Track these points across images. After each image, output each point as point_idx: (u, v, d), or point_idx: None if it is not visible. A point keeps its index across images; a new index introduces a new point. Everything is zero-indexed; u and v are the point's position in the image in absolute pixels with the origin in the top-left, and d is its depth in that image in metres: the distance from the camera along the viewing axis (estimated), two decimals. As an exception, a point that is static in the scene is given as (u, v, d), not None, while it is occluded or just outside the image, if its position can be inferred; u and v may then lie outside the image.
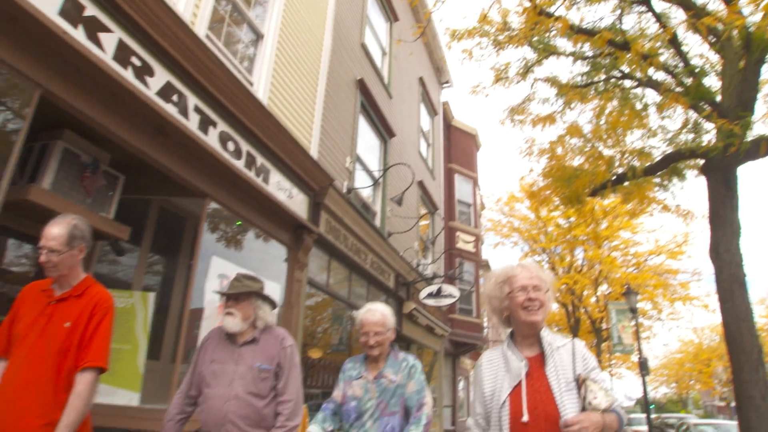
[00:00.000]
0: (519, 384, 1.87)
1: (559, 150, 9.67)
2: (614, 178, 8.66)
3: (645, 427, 13.35)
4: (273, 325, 3.06)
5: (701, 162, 7.15)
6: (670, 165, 7.95)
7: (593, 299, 23.69)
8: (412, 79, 14.01)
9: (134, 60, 4.06)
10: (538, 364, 1.91)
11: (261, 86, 6.16)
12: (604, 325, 22.91)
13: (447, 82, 17.60)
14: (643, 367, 12.68)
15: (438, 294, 10.96)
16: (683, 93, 6.93)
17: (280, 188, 6.08)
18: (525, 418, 1.79)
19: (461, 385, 18.78)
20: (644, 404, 12.15)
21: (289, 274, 6.49)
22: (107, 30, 3.81)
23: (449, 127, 18.77)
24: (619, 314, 17.28)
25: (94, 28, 3.70)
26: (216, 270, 5.30)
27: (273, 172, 5.95)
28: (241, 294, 2.93)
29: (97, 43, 3.72)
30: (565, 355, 1.91)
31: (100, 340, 2.51)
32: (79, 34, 3.57)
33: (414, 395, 2.88)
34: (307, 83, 7.42)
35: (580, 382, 1.81)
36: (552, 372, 1.86)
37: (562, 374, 1.85)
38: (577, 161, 9.50)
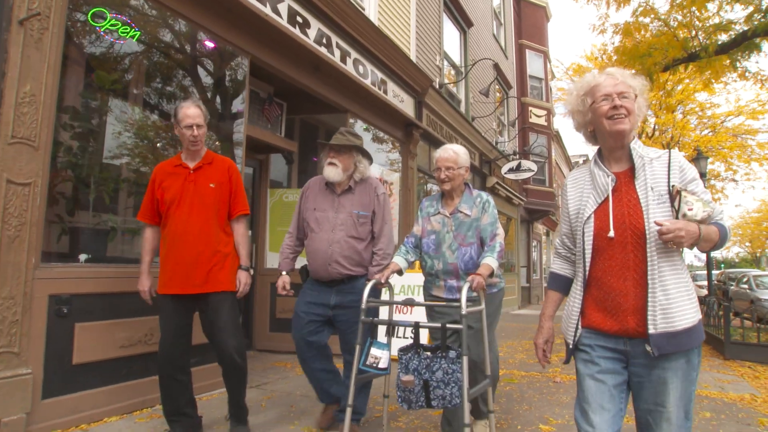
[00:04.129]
0: (606, 200, 1.75)
1: (633, 28, 10.15)
2: (687, 56, 9.25)
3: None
4: (368, 176, 3.30)
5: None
6: (744, 43, 8.45)
7: (664, 163, 23.98)
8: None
9: (299, 18, 5.38)
10: (627, 178, 1.76)
11: (371, 9, 7.29)
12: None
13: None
14: (708, 226, 13.78)
15: (517, 169, 12.32)
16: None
17: (395, 95, 7.46)
18: (611, 233, 1.69)
19: (534, 247, 20.63)
20: (707, 261, 13.44)
21: (403, 163, 8.09)
22: (282, 0, 5.11)
23: (519, 2, 18.67)
24: (689, 177, 17.91)
25: (274, 1, 5.02)
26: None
27: (389, 83, 7.30)
28: (344, 146, 3.13)
29: (278, 12, 5.06)
30: (659, 167, 1.72)
31: (241, 193, 3.15)
32: (267, 10, 4.90)
33: (488, 227, 2.98)
34: (402, -6, 8.39)
35: (674, 194, 1.64)
36: (642, 185, 1.70)
37: (654, 187, 1.68)
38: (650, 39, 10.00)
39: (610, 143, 1.80)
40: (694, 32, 9.23)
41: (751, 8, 8.42)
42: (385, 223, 3.21)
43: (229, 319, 2.98)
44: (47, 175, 3.15)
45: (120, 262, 3.92)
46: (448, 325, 2.49)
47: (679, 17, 9.15)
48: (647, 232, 1.65)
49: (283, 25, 5.09)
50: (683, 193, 1.62)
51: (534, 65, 18.71)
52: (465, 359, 2.38)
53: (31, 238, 3.02)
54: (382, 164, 7.60)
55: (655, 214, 1.65)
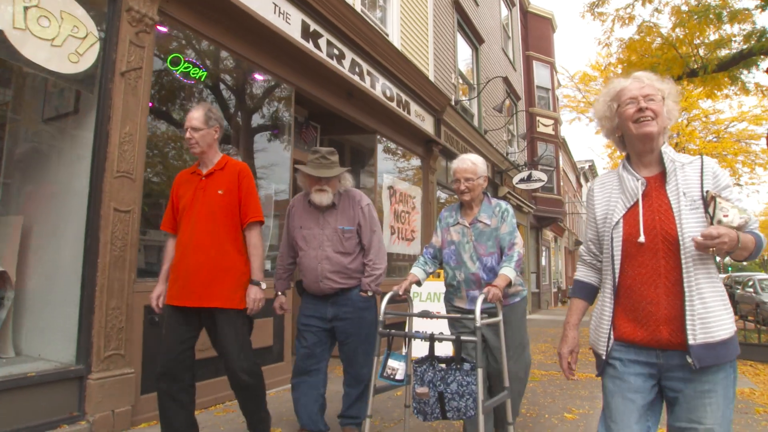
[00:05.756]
0: (635, 204, 1.69)
1: (637, 44, 10.67)
2: (689, 72, 9.75)
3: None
4: (348, 187, 3.32)
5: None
6: (742, 61, 8.95)
7: (669, 169, 24.39)
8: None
9: (335, 51, 5.91)
10: (658, 183, 1.70)
11: (395, 35, 7.83)
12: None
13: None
14: (713, 231, 14.26)
15: (528, 179, 12.83)
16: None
17: (417, 115, 8.00)
18: (641, 238, 1.63)
19: (543, 253, 21.09)
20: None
21: (424, 178, 8.61)
22: (321, 36, 5.66)
23: (526, 14, 19.22)
24: (694, 184, 18.36)
25: (315, 37, 5.56)
26: (386, 182, 7.48)
27: (412, 104, 7.84)
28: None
29: (318, 47, 5.60)
30: (692, 172, 1.66)
31: (253, 200, 2.90)
32: (310, 45, 5.44)
33: (506, 236, 2.96)
34: (421, 19, 8.93)
35: (708, 200, 1.57)
36: (673, 190, 1.64)
37: (687, 192, 1.62)
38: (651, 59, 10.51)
39: (639, 147, 1.75)
40: (694, 48, 9.71)
41: (748, 26, 8.92)
42: (373, 234, 3.24)
43: (231, 337, 2.80)
44: (140, 203, 3.68)
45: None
46: (462, 338, 2.55)
47: (681, 35, 9.63)
48: (680, 238, 1.58)
49: (323, 58, 5.62)
50: (718, 200, 1.55)
51: (541, 76, 19.23)
52: (480, 371, 2.40)
53: (131, 257, 3.55)
54: (404, 178, 8.12)
55: (688, 220, 1.59)
